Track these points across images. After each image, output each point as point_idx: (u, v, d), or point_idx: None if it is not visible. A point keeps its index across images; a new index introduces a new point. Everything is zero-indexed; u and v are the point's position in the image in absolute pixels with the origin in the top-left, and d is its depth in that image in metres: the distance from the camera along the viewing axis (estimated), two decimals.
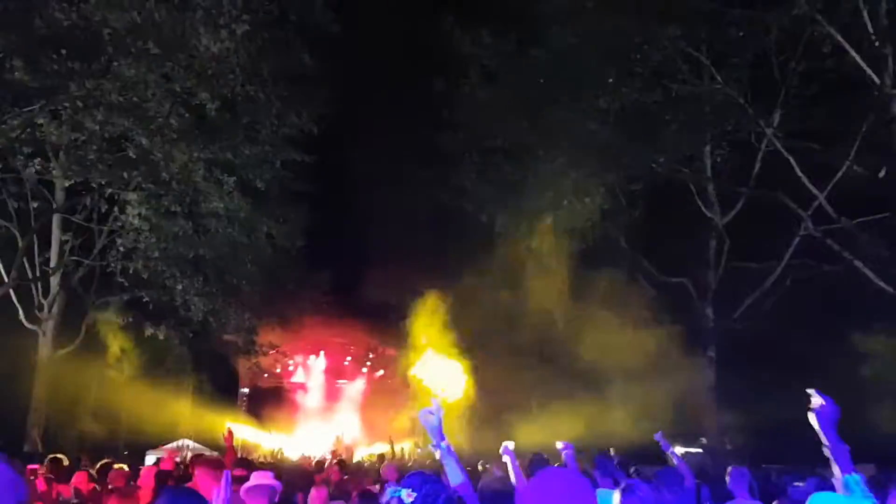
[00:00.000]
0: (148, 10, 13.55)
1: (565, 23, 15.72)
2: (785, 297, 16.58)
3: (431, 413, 3.28)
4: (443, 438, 3.42)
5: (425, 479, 2.94)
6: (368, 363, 32.04)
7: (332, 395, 31.71)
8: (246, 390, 30.61)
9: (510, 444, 4.90)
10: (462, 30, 17.57)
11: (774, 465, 12.41)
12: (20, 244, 16.87)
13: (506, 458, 4.82)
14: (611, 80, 14.95)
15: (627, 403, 15.19)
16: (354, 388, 32.00)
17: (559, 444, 6.00)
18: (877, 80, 13.49)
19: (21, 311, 17.35)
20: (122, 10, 13.53)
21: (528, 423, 16.18)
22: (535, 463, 6.24)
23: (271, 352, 23.44)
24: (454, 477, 3.37)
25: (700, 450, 17.23)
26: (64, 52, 13.45)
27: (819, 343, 15.05)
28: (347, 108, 19.70)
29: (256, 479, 4.77)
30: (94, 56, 13.86)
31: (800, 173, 15.04)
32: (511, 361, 18.97)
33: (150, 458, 17.41)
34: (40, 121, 15.04)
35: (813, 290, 15.98)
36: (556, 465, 6.06)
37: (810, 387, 3.05)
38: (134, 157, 15.41)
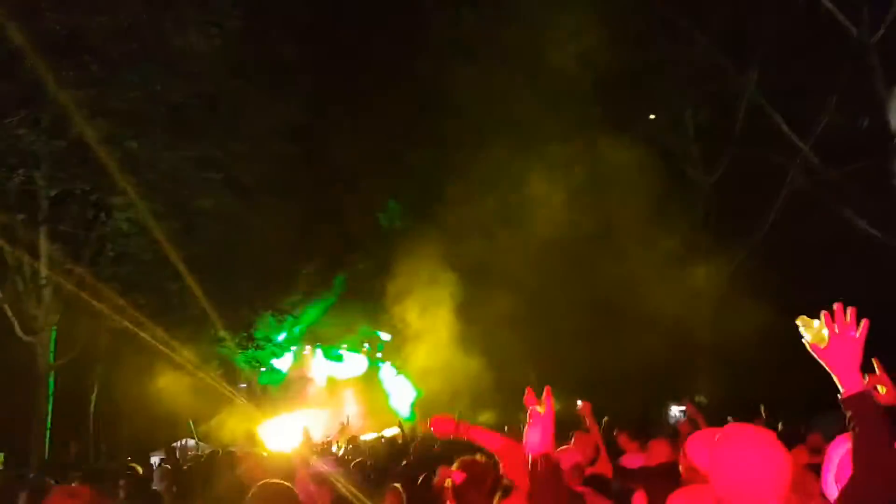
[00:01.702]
0: (128, 11, 13.30)
1: None
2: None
3: None
4: None
5: None
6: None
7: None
8: (244, 385, 30.40)
9: None
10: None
11: None
12: (8, 259, 16.62)
13: None
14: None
15: None
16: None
17: (579, 403, 5.87)
18: (854, 30, 13.73)
19: (17, 324, 17.15)
20: (99, 14, 13.28)
21: None
22: None
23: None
24: None
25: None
26: (42, 59, 13.19)
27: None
28: (331, 96, 19.49)
29: None
30: (74, 62, 13.63)
31: (784, 127, 15.28)
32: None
33: (154, 460, 17.43)
34: (21, 131, 14.81)
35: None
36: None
37: None
38: (119, 161, 15.21)
